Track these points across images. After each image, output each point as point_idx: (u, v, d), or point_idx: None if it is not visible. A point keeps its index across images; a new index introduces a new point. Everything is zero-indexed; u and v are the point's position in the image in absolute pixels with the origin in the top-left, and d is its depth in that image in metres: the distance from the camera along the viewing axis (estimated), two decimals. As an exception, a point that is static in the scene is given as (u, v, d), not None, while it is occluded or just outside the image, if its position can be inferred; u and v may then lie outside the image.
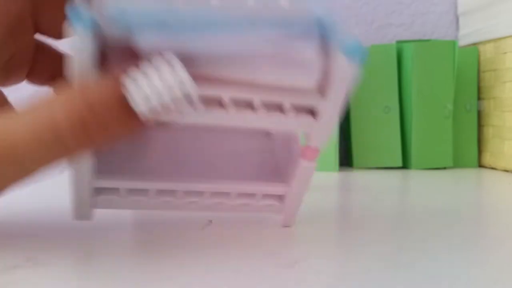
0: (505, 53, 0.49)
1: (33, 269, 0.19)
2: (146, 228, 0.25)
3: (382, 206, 0.31)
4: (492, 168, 0.51)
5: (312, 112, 0.22)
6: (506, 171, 0.49)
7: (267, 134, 0.30)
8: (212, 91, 0.20)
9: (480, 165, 0.53)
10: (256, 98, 0.20)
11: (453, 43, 0.50)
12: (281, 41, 0.19)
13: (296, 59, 0.20)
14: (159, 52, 0.18)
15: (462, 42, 0.57)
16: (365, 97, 0.51)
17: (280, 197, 0.25)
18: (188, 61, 0.18)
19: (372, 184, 0.41)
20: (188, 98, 0.18)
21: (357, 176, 0.46)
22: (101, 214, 0.29)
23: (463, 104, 0.52)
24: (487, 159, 0.52)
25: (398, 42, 0.53)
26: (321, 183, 0.41)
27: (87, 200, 0.23)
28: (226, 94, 0.20)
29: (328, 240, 0.23)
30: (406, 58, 0.50)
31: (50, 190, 0.39)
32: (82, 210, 0.23)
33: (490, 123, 0.52)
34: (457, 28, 0.59)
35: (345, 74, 0.20)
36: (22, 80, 0.25)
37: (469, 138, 0.53)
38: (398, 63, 0.51)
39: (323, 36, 0.20)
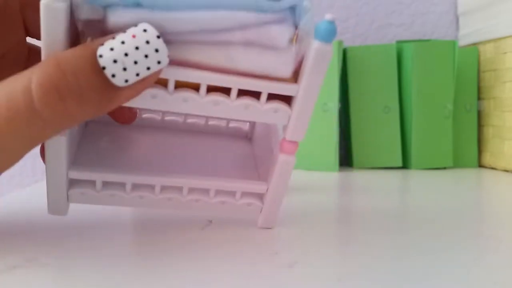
0: (505, 53, 0.49)
1: (33, 269, 0.19)
2: (146, 229, 0.25)
3: (382, 206, 0.31)
4: (492, 168, 0.51)
5: (288, 100, 0.21)
6: (506, 171, 0.49)
7: (249, 139, 0.30)
8: (188, 76, 0.20)
9: (480, 165, 0.53)
10: (233, 85, 0.20)
11: (453, 43, 0.50)
12: (254, 25, 0.19)
13: (270, 44, 0.20)
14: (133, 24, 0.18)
15: (462, 42, 0.57)
16: (365, 97, 0.51)
17: (259, 196, 0.25)
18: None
19: (372, 184, 0.41)
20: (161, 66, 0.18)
21: (357, 176, 0.46)
22: (101, 214, 0.29)
23: (463, 104, 0.52)
24: (487, 159, 0.52)
25: (398, 42, 0.53)
26: (321, 183, 0.41)
27: (63, 193, 0.23)
28: (203, 80, 0.20)
29: (328, 240, 0.23)
30: (406, 58, 0.50)
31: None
32: (57, 204, 0.23)
33: (490, 123, 0.52)
34: (457, 28, 0.59)
35: (320, 58, 0.20)
36: None
37: (469, 138, 0.53)
38: (398, 63, 0.51)
39: (296, 22, 0.20)
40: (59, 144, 0.21)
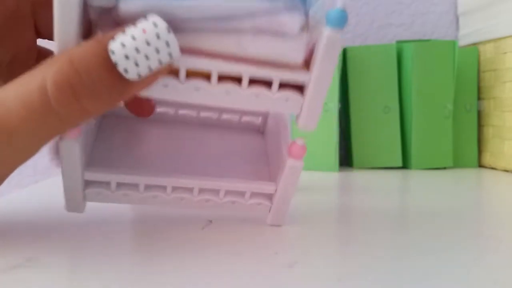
0: (505, 53, 0.49)
1: (33, 269, 0.19)
2: (146, 228, 0.25)
3: (382, 206, 0.31)
4: (492, 168, 0.51)
5: (299, 89, 0.21)
6: (506, 171, 0.49)
7: (261, 133, 0.30)
8: (200, 65, 0.20)
9: (480, 165, 0.53)
10: (245, 73, 0.20)
11: (453, 43, 0.50)
12: (264, 12, 0.19)
13: (281, 32, 0.20)
14: (143, 16, 0.18)
15: (462, 42, 0.57)
16: (365, 97, 0.51)
17: (269, 196, 0.25)
18: (174, 31, 0.18)
19: (372, 184, 0.41)
20: (172, 59, 0.18)
21: (357, 176, 0.46)
22: (101, 214, 0.29)
23: (463, 104, 0.52)
24: (487, 159, 0.52)
25: (398, 42, 0.53)
26: (321, 183, 0.41)
27: (79, 193, 0.23)
28: (214, 68, 0.20)
29: (328, 240, 0.23)
30: (406, 58, 0.50)
31: (50, 190, 0.39)
32: (74, 202, 0.24)
33: (490, 123, 0.52)
34: (457, 28, 0.59)
35: (331, 45, 0.20)
36: None
37: (469, 138, 0.53)
38: (398, 63, 0.51)
39: (306, 9, 0.20)
40: (74, 148, 0.21)
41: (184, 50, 0.19)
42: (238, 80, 0.21)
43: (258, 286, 0.17)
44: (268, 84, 0.21)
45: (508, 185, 0.41)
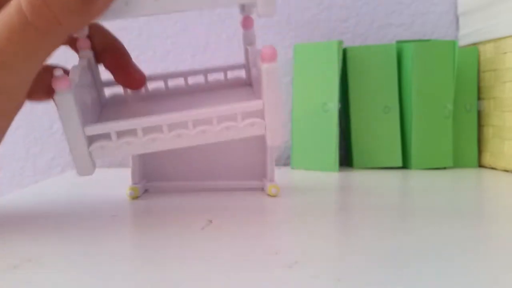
0: (505, 53, 0.49)
1: (33, 269, 0.19)
2: (146, 228, 0.25)
3: (382, 206, 0.31)
4: (492, 168, 0.51)
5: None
6: (506, 171, 0.49)
7: (248, 85, 0.33)
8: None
9: (480, 165, 0.53)
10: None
11: (453, 43, 0.50)
12: None
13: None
14: None
15: (462, 42, 0.57)
16: (365, 97, 0.52)
17: (260, 114, 0.26)
18: None
19: (372, 184, 0.41)
20: None
21: (357, 176, 0.46)
22: (101, 214, 0.29)
23: (463, 104, 0.52)
24: (487, 159, 0.52)
25: (398, 42, 0.53)
26: (321, 183, 0.41)
27: (84, 151, 0.25)
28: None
29: (328, 240, 0.23)
30: (406, 58, 0.50)
31: (50, 190, 0.39)
32: (83, 163, 0.25)
33: (490, 123, 0.52)
34: (457, 28, 0.59)
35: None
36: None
37: (469, 138, 0.53)
38: (398, 63, 0.51)
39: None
40: (68, 99, 0.23)
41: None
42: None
43: (258, 286, 0.17)
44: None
45: (508, 185, 0.41)
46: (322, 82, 0.50)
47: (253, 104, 0.26)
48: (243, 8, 0.29)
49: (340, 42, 0.49)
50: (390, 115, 0.51)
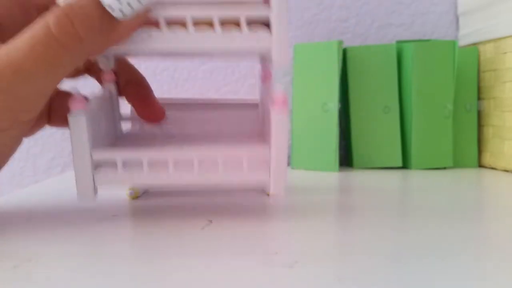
0: (505, 53, 0.49)
1: (33, 269, 0.19)
2: (146, 228, 0.25)
3: (382, 206, 0.31)
4: (492, 168, 0.51)
5: (266, 26, 0.24)
6: (506, 171, 0.49)
7: (255, 106, 0.32)
8: (175, 12, 0.23)
9: (480, 165, 0.53)
10: (215, 15, 0.24)
11: (453, 43, 0.50)
12: None
13: None
14: None
15: (462, 42, 0.57)
16: (365, 97, 0.51)
17: (266, 162, 0.26)
18: None
19: (372, 184, 0.41)
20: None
21: (357, 176, 0.46)
22: (101, 214, 0.29)
23: (463, 104, 0.52)
24: (487, 159, 0.52)
25: (398, 42, 0.53)
26: (321, 183, 0.41)
27: (89, 175, 0.25)
28: (188, 14, 0.23)
29: (328, 240, 0.23)
30: (406, 58, 0.50)
31: (50, 190, 0.39)
32: (85, 188, 0.25)
33: (490, 123, 0.52)
34: (457, 28, 0.59)
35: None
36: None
37: (469, 138, 0.53)
38: (398, 63, 0.51)
39: None
40: (81, 120, 0.24)
41: (162, 3, 0.23)
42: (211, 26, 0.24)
43: (258, 286, 0.17)
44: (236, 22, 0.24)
45: (508, 185, 0.41)
46: (322, 82, 0.50)
47: (260, 151, 0.25)
48: (263, 59, 0.29)
49: (340, 42, 0.49)
50: (390, 115, 0.51)
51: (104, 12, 0.22)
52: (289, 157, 0.58)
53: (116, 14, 0.22)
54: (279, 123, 0.24)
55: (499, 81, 0.50)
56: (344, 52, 0.52)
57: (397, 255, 0.21)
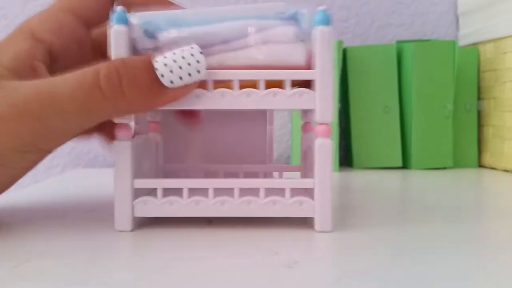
0: (505, 53, 0.49)
1: (33, 269, 0.19)
2: (146, 229, 0.25)
3: (382, 206, 0.31)
4: (492, 168, 0.51)
5: (309, 87, 0.25)
6: (506, 171, 0.49)
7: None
8: (223, 76, 0.24)
9: (480, 165, 0.53)
10: (260, 77, 0.24)
11: (453, 43, 0.50)
12: (265, 28, 0.25)
13: (280, 40, 0.25)
14: (181, 43, 0.23)
15: (462, 42, 0.57)
16: (365, 97, 0.51)
17: (309, 193, 0.25)
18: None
19: (372, 184, 0.41)
20: (200, 73, 0.23)
21: (357, 176, 0.46)
22: (101, 214, 0.29)
23: (463, 104, 0.52)
24: (487, 159, 0.52)
25: (398, 42, 0.53)
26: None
27: (128, 205, 0.25)
28: (235, 77, 0.24)
29: (328, 240, 0.23)
30: (406, 58, 0.51)
31: (50, 190, 0.39)
32: (123, 218, 0.25)
33: (490, 123, 0.52)
34: (457, 28, 0.59)
35: (325, 39, 0.24)
36: None
37: (469, 138, 0.53)
38: (398, 63, 0.51)
39: (300, 25, 0.25)
40: (126, 148, 0.24)
41: (210, 67, 0.24)
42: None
43: (258, 286, 0.17)
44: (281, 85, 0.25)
45: (508, 185, 0.41)
46: (322, 82, 0.50)
47: (305, 182, 0.25)
48: (305, 113, 0.30)
49: (340, 42, 0.49)
50: (390, 115, 0.51)
51: (155, 78, 0.22)
52: (289, 157, 0.58)
53: (166, 82, 0.22)
54: (323, 151, 0.24)
55: (499, 81, 0.50)
56: (344, 52, 0.52)
57: (397, 254, 0.21)
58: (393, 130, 0.51)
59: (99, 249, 0.22)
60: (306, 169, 0.30)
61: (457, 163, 0.52)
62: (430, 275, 0.18)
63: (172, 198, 0.25)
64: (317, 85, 0.24)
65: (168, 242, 0.23)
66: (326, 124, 0.24)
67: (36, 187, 0.41)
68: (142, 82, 0.22)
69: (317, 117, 0.24)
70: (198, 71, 0.23)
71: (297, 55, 0.25)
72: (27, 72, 0.24)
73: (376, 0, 0.59)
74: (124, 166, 0.24)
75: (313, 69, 0.24)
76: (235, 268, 0.19)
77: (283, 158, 0.58)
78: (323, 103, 0.24)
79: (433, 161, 0.51)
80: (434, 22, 0.59)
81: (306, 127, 0.30)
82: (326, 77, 0.24)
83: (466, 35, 0.56)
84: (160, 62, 0.22)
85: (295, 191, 0.25)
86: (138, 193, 0.25)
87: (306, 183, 0.25)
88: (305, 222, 0.26)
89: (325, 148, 0.24)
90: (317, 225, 0.24)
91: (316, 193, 0.24)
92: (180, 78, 0.22)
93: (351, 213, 0.30)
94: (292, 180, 0.25)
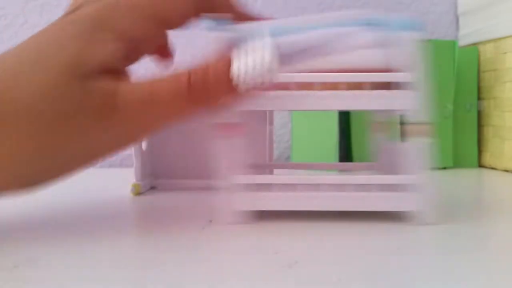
0: (505, 53, 0.49)
1: (33, 269, 0.19)
2: (146, 228, 0.25)
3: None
4: (492, 168, 0.51)
5: (407, 87, 0.26)
6: (506, 171, 0.49)
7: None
8: (329, 78, 0.25)
9: (480, 165, 0.53)
10: (366, 79, 0.26)
11: (453, 43, 0.50)
12: (346, 34, 0.26)
13: (362, 45, 0.26)
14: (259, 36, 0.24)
15: (462, 42, 0.57)
16: (365, 97, 0.51)
17: (411, 188, 0.26)
18: (299, 56, 0.25)
19: (372, 184, 0.41)
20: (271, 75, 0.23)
21: (357, 176, 0.46)
22: (101, 215, 0.29)
23: (463, 104, 0.52)
24: (487, 159, 0.52)
25: (398, 42, 0.53)
26: (321, 183, 0.41)
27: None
28: (341, 79, 0.25)
29: (328, 240, 0.23)
30: (406, 58, 0.50)
31: (51, 190, 0.39)
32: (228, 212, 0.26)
33: (490, 123, 0.52)
34: (457, 28, 0.59)
35: (412, 46, 0.26)
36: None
37: (469, 138, 0.53)
38: (398, 63, 0.51)
39: (385, 27, 0.27)
40: (240, 145, 0.25)
41: (298, 72, 0.25)
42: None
43: (258, 286, 0.17)
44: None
45: (508, 185, 0.41)
46: (322, 82, 0.50)
47: (407, 178, 0.26)
48: (376, 114, 0.32)
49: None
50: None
51: (231, 79, 0.23)
52: (289, 157, 0.58)
53: (240, 80, 0.23)
54: (421, 151, 0.26)
55: (499, 81, 0.50)
56: (344, 52, 0.52)
57: (397, 255, 0.21)
58: (393, 130, 0.51)
59: (99, 248, 0.22)
60: (382, 167, 0.32)
61: (457, 163, 0.52)
62: (430, 275, 0.18)
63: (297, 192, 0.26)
64: (411, 86, 0.26)
65: (168, 241, 0.22)
66: (423, 123, 0.26)
67: (36, 187, 0.41)
68: (221, 81, 0.23)
69: (412, 117, 0.26)
70: (271, 71, 0.23)
71: (379, 59, 0.26)
72: (119, 74, 0.24)
73: (376, 0, 0.59)
74: (235, 159, 0.25)
75: (406, 72, 0.26)
76: (235, 268, 0.19)
77: (283, 158, 0.58)
78: (417, 103, 0.26)
79: (433, 161, 0.50)
80: (434, 22, 0.59)
81: (376, 127, 0.33)
82: (420, 79, 0.26)
83: (466, 35, 0.56)
84: (237, 62, 0.23)
85: (383, 187, 0.27)
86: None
87: (408, 179, 0.26)
88: (305, 222, 0.26)
89: (426, 145, 0.26)
90: (419, 218, 0.26)
91: (418, 188, 0.26)
92: (252, 78, 0.23)
93: (350, 213, 0.30)
94: (395, 176, 0.27)
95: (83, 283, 0.17)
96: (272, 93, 0.25)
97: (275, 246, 0.22)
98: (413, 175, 0.26)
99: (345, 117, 0.54)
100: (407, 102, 0.26)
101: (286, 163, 0.34)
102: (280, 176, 0.27)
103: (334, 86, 0.26)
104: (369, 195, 0.26)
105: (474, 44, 0.54)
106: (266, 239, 0.23)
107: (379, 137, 0.31)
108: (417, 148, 0.26)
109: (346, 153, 0.55)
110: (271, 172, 0.35)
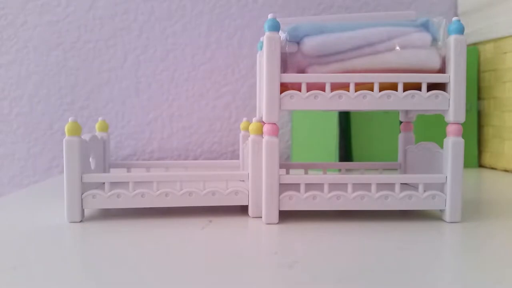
0: (505, 53, 0.49)
1: (33, 269, 0.19)
2: (146, 228, 0.25)
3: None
4: (492, 168, 0.51)
5: (443, 89, 0.27)
6: (506, 171, 0.49)
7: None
8: (365, 79, 0.26)
9: (480, 165, 0.53)
10: (399, 80, 0.26)
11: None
12: (401, 34, 0.27)
13: (415, 46, 0.27)
14: (322, 50, 0.26)
15: (462, 42, 0.57)
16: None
17: (441, 187, 0.27)
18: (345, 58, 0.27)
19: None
20: None
21: (357, 176, 0.46)
22: (101, 214, 0.29)
23: (463, 104, 0.52)
24: (487, 159, 0.52)
25: (398, 42, 0.53)
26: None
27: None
28: (376, 80, 0.26)
29: (328, 240, 0.23)
30: (406, 58, 0.50)
31: (50, 190, 0.39)
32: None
33: (490, 123, 0.52)
34: (457, 28, 0.59)
35: (459, 46, 0.26)
36: None
37: (469, 138, 0.53)
38: (398, 63, 0.51)
39: (431, 32, 0.27)
40: (275, 144, 0.26)
41: (351, 70, 0.26)
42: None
43: (258, 286, 0.17)
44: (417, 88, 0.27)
45: (508, 185, 0.41)
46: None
47: (437, 177, 0.27)
48: (406, 113, 0.33)
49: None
50: (390, 115, 0.51)
51: None
52: (289, 157, 0.58)
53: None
54: (457, 147, 0.26)
55: (499, 81, 0.50)
56: (344, 52, 0.52)
57: (396, 255, 0.21)
58: (393, 130, 0.51)
59: (99, 248, 0.22)
60: (406, 166, 0.33)
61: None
62: (430, 275, 0.18)
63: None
64: (451, 87, 0.26)
65: (168, 241, 0.22)
66: (458, 123, 0.27)
67: (36, 187, 0.41)
68: None
69: (451, 117, 0.27)
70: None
71: (433, 59, 0.27)
72: None
73: (376, 0, 0.59)
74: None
75: (446, 73, 0.27)
76: (235, 268, 0.19)
77: (283, 158, 0.59)
78: (456, 104, 0.26)
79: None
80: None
81: (406, 126, 0.34)
82: (460, 81, 0.26)
83: (466, 35, 0.56)
84: None
85: (404, 187, 0.28)
86: None
87: (438, 178, 0.27)
88: (305, 222, 0.26)
89: (458, 145, 0.26)
90: (448, 216, 0.27)
91: (449, 187, 0.27)
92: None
93: (350, 213, 0.30)
94: (424, 175, 0.27)
95: (82, 283, 0.17)
96: (329, 94, 0.26)
97: (275, 246, 0.22)
98: (441, 175, 0.27)
99: (345, 117, 0.54)
100: (444, 103, 0.27)
101: (286, 163, 0.34)
102: (332, 175, 0.27)
103: (392, 86, 0.27)
104: (413, 194, 0.27)
105: (474, 44, 0.54)
106: (266, 239, 0.23)
107: (409, 135, 0.33)
108: (452, 148, 0.26)
109: (346, 153, 0.55)
110: None
